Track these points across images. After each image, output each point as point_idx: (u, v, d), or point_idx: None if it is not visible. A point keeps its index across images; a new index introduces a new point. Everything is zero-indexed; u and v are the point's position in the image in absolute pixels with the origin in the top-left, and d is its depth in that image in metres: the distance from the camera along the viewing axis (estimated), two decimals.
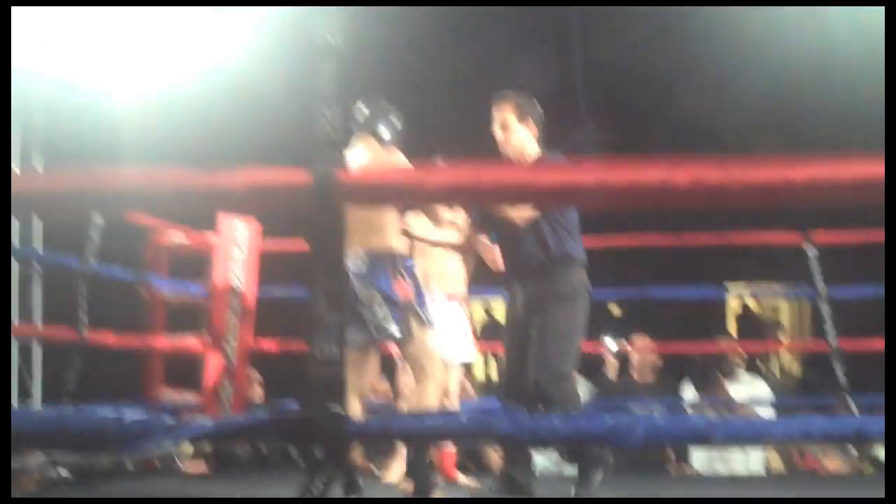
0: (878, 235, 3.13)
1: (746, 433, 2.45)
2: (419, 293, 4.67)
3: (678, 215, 5.69)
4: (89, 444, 2.44)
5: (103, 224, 5.60)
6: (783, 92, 7.42)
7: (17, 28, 6.08)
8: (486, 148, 4.60)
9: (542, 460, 6.32)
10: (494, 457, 6.19)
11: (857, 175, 2.35)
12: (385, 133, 4.74)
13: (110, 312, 5.86)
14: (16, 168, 6.43)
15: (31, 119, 6.91)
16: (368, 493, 4.56)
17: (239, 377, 6.22)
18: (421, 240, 4.91)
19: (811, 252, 6.20)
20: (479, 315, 9.71)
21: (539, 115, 4.63)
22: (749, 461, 6.53)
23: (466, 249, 5.15)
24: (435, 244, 5.06)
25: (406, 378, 5.26)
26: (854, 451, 6.35)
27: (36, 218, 6.92)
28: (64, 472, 5.46)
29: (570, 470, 6.23)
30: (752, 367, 7.68)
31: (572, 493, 4.44)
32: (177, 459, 6.29)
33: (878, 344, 5.69)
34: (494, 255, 4.92)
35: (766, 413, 6.71)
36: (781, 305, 10.41)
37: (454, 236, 4.90)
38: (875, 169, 2.33)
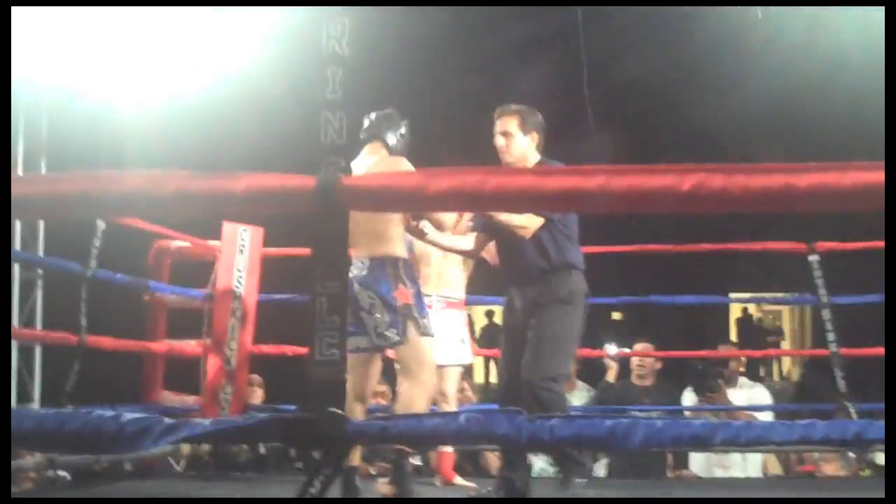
0: (879, 242, 3.14)
1: (746, 437, 2.45)
2: (419, 300, 4.68)
3: (681, 223, 5.74)
4: (87, 443, 2.44)
5: (105, 229, 5.61)
6: (788, 98, 7.42)
7: (22, 34, 6.11)
8: (490, 156, 4.62)
9: (540, 462, 6.33)
10: (493, 459, 6.19)
11: (858, 182, 2.36)
12: (392, 140, 4.77)
13: (112, 317, 5.88)
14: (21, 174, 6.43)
15: (36, 126, 6.92)
16: (366, 495, 4.57)
17: (239, 381, 6.23)
18: (434, 244, 4.91)
19: (813, 259, 6.20)
20: (481, 320, 9.73)
21: (541, 123, 4.65)
22: (747, 465, 6.53)
23: (473, 256, 5.15)
24: (447, 249, 5.05)
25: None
26: (852, 456, 6.34)
27: (39, 223, 6.94)
28: (63, 473, 5.47)
29: None
30: (752, 374, 7.68)
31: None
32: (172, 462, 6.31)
33: (879, 351, 5.71)
34: (494, 253, 4.93)
35: (767, 419, 6.71)
36: (783, 312, 10.43)
37: (466, 242, 4.90)
38: (876, 175, 2.34)
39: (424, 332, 4.62)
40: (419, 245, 5.26)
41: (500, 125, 4.60)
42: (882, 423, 2.40)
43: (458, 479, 5.68)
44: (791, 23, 6.99)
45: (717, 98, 7.49)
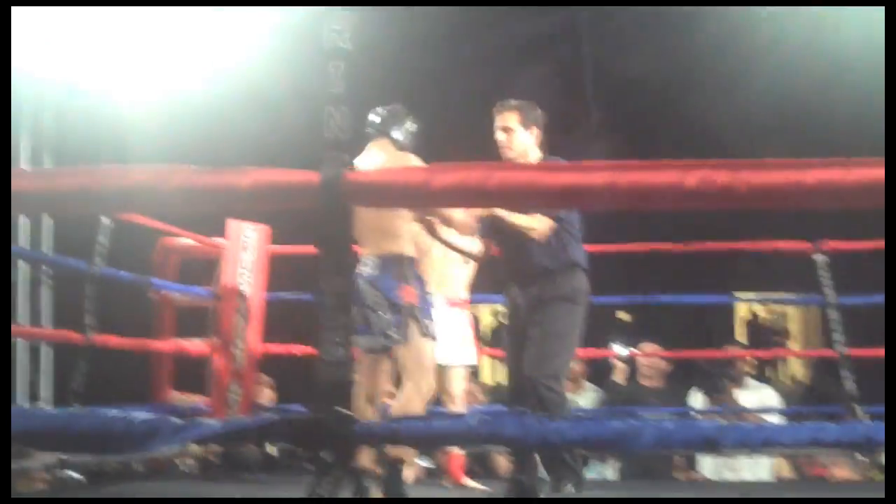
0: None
1: (755, 439, 2.43)
2: (424, 301, 4.64)
3: (688, 222, 5.72)
4: (95, 443, 2.43)
5: (112, 227, 5.60)
6: (793, 97, 7.39)
7: (27, 31, 6.10)
8: (494, 154, 4.60)
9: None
10: (503, 461, 6.17)
11: (863, 178, 2.34)
12: (400, 136, 4.74)
13: (119, 316, 5.86)
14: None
15: (42, 123, 6.92)
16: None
17: (247, 380, 6.22)
18: (443, 242, 4.87)
19: (820, 259, 6.18)
20: (488, 320, 9.70)
21: (541, 118, 4.62)
22: (757, 468, 6.50)
23: (480, 259, 5.11)
24: (455, 249, 5.02)
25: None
26: (863, 459, 6.31)
27: (45, 221, 6.93)
28: (74, 474, 5.45)
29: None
30: (760, 375, 7.65)
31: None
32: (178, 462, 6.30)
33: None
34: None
35: (775, 421, 6.68)
36: (790, 313, 10.39)
37: (473, 244, 4.87)
38: (879, 172, 2.32)
39: (426, 334, 4.54)
40: (420, 243, 5.23)
41: (500, 120, 4.58)
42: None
43: (468, 481, 5.66)
44: (796, 21, 6.97)
45: (720, 98, 7.45)
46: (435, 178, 2.51)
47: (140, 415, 2.40)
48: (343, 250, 2.45)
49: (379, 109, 4.78)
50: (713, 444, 2.44)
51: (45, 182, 2.80)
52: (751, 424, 2.54)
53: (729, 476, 6.47)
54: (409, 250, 4.64)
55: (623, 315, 9.35)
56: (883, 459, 6.01)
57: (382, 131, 4.74)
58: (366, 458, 4.37)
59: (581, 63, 8.13)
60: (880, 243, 5.45)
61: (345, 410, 2.40)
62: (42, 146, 6.90)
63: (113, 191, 2.61)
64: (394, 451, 4.39)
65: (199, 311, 6.45)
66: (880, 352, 5.82)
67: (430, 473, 6.00)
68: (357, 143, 4.45)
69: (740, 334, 10.20)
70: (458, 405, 5.59)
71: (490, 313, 9.80)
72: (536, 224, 4.45)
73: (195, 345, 6.36)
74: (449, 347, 5.32)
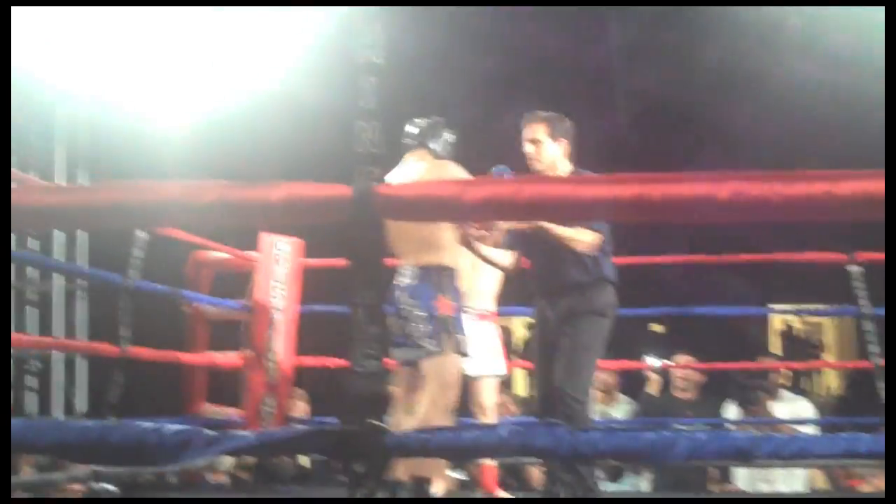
0: None
1: (790, 450, 2.41)
2: (458, 314, 4.62)
3: (722, 234, 5.70)
4: (129, 455, 2.44)
5: (147, 241, 5.64)
6: (827, 106, 7.35)
7: (61, 48, 6.17)
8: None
9: None
10: (536, 473, 6.16)
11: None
12: (438, 147, 4.74)
13: (153, 329, 5.90)
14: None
15: (77, 139, 6.98)
16: None
17: (281, 393, 6.24)
18: (480, 255, 4.86)
19: (855, 270, 6.14)
20: (521, 332, 9.69)
21: (570, 130, 4.61)
22: (792, 480, 6.46)
23: (510, 271, 5.10)
24: (490, 262, 5.00)
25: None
26: None
27: (80, 234, 6.99)
28: (108, 486, 5.48)
29: (612, 486, 6.24)
30: (795, 386, 7.61)
31: None
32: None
33: None
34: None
35: (809, 432, 6.64)
36: (825, 324, 10.33)
37: (505, 257, 4.86)
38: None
39: (457, 349, 4.53)
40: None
41: (528, 132, 4.57)
42: None
43: (501, 493, 5.65)
44: (825, 25, 6.93)
45: (756, 105, 7.43)
46: (467, 191, 2.51)
47: (173, 427, 2.41)
48: (375, 263, 2.46)
49: (417, 120, 4.79)
50: (746, 455, 2.42)
51: (81, 197, 2.82)
52: (784, 435, 2.51)
53: (764, 488, 6.42)
54: (449, 261, 4.63)
55: (657, 327, 9.32)
56: None
57: (421, 142, 4.75)
58: (401, 470, 4.35)
59: (607, 71, 8.12)
60: None
61: (377, 422, 2.41)
62: (77, 162, 6.97)
63: (147, 205, 2.62)
64: (418, 468, 4.36)
65: (233, 325, 6.48)
66: None
67: (463, 485, 5.99)
68: (390, 156, 4.46)
69: (775, 346, 10.16)
70: (489, 417, 5.57)
71: (523, 326, 9.79)
72: (585, 237, 4.42)
73: (228, 358, 6.39)
74: (478, 358, 5.30)
